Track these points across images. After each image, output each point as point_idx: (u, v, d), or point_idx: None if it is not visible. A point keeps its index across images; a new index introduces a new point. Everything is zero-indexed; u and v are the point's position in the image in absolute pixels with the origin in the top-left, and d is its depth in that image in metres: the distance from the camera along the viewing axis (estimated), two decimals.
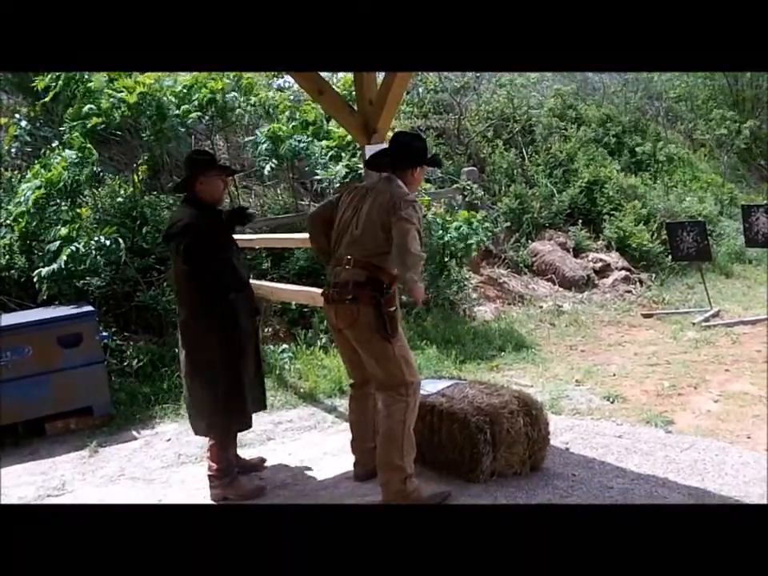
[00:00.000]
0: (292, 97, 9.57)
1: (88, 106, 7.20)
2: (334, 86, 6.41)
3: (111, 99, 7.29)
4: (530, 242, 10.30)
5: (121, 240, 6.72)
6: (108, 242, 6.57)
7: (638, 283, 9.80)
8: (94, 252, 6.49)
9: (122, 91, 7.37)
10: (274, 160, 8.24)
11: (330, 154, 8.27)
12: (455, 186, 9.54)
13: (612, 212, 10.91)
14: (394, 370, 3.77)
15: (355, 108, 5.05)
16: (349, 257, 3.81)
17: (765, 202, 11.59)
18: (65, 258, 6.29)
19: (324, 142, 8.37)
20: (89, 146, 6.96)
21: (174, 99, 7.86)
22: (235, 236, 4.60)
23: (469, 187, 9.27)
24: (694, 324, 7.92)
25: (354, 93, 5.86)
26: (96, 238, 6.55)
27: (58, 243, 6.48)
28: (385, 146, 4.51)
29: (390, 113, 4.87)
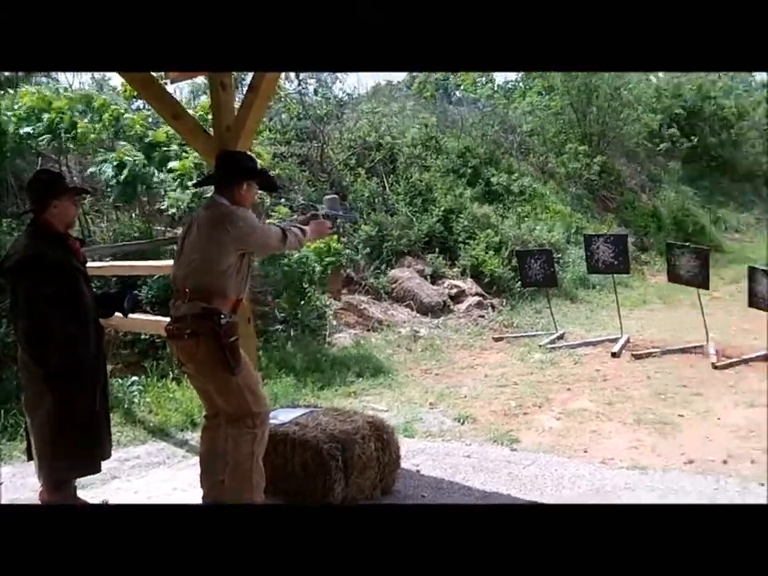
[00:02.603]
0: (151, 119, 9.41)
1: None
2: (190, 111, 6.34)
3: None
4: (389, 269, 10.52)
5: None
6: None
7: (490, 308, 10.22)
8: None
9: None
10: (118, 186, 8.03)
11: (178, 180, 8.17)
12: (314, 212, 9.64)
13: (467, 240, 11.33)
14: (239, 402, 3.71)
15: (212, 133, 5.02)
16: (186, 289, 3.69)
17: (605, 232, 12.37)
18: None
19: (172, 166, 8.26)
20: None
21: (14, 119, 7.59)
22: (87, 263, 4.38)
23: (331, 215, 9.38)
24: (540, 346, 8.34)
25: (211, 118, 5.84)
26: None
27: None
28: None
29: (247, 139, 4.81)
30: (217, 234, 3.66)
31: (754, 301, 7.76)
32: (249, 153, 4.65)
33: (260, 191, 4.73)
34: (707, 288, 8.28)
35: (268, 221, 7.52)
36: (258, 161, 8.53)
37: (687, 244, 9.00)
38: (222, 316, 3.62)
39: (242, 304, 3.88)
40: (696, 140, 19.45)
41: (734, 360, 7.44)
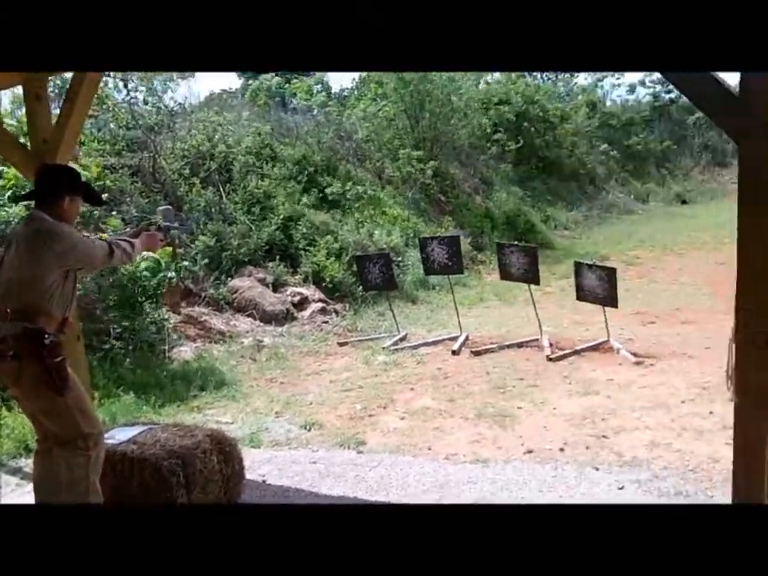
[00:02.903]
0: None
1: None
2: (14, 122, 6.05)
3: None
4: (229, 279, 10.37)
5: None
6: None
7: (333, 314, 10.28)
8: None
9: None
10: None
11: (6, 194, 7.73)
12: (146, 224, 9.38)
13: (307, 247, 11.35)
14: (69, 423, 3.59)
15: (29, 146, 4.83)
16: (8, 309, 3.53)
17: (440, 234, 12.73)
18: None
19: None
20: None
21: None
22: None
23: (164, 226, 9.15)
24: (383, 348, 8.47)
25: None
26: None
27: None
28: None
29: (66, 151, 4.69)
30: (38, 251, 3.52)
31: (581, 294, 8.21)
32: (71, 165, 4.49)
33: (86, 204, 4.57)
34: (538, 283, 8.69)
35: (99, 234, 7.24)
36: (85, 173, 8.21)
37: (516, 243, 9.42)
38: (46, 336, 3.48)
39: (69, 322, 3.73)
40: (522, 142, 20.40)
41: (567, 351, 7.85)
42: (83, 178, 4.15)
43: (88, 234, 6.63)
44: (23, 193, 3.91)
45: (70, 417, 3.59)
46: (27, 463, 5.40)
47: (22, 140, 5.97)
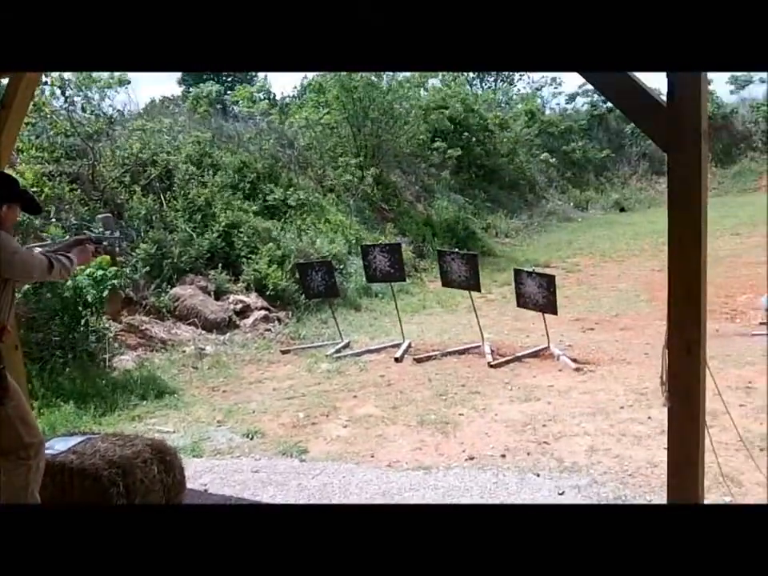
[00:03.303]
0: None
1: None
2: None
3: None
4: (171, 287, 10.25)
5: None
6: None
7: (276, 321, 10.24)
8: None
9: None
10: None
11: None
12: (78, 237, 9.26)
13: (249, 255, 11.30)
14: (10, 433, 3.55)
15: None
16: None
17: (381, 241, 12.80)
18: None
19: None
20: None
21: None
22: None
23: (102, 233, 9.03)
24: (327, 356, 8.47)
25: None
26: None
27: None
28: None
29: (2, 159, 4.64)
30: None
31: (522, 301, 8.34)
32: (7, 173, 4.41)
33: (23, 213, 4.49)
34: (479, 290, 8.80)
35: (36, 245, 7.11)
36: (22, 180, 8.05)
37: (456, 250, 9.50)
38: None
39: (7, 331, 3.67)
40: (461, 151, 20.61)
41: (508, 358, 7.96)
42: (20, 186, 4.09)
43: (25, 244, 6.50)
44: None
45: (12, 427, 3.55)
46: None
47: None
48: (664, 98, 2.79)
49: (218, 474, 5.18)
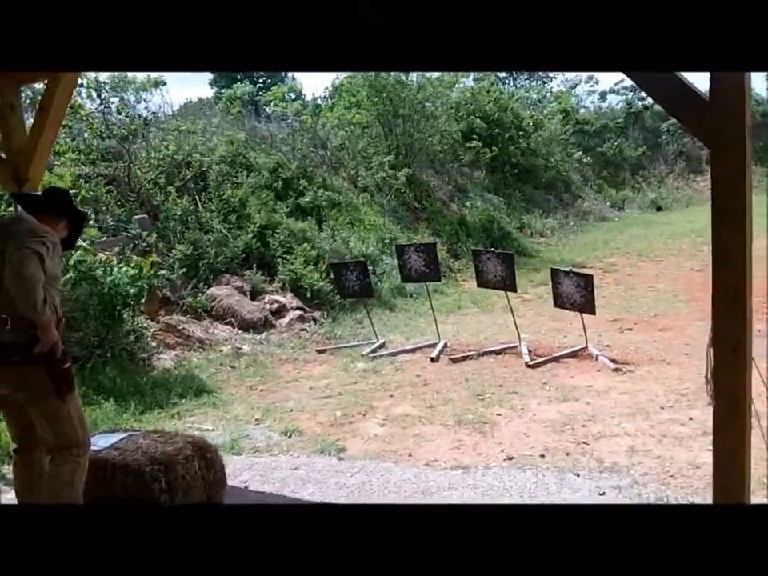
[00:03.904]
0: None
1: None
2: None
3: None
4: (207, 287, 10.35)
5: None
6: None
7: (312, 321, 10.27)
8: None
9: None
10: None
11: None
12: (125, 233, 9.39)
13: (284, 255, 11.35)
14: (68, 431, 3.63)
15: (3, 156, 4.82)
16: (4, 316, 3.53)
17: (415, 241, 12.78)
18: None
19: None
20: None
21: None
22: None
23: (139, 234, 9.17)
24: (362, 356, 8.48)
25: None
26: None
27: None
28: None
29: (41, 161, 4.72)
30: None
31: (559, 301, 8.29)
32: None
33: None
34: (515, 290, 8.75)
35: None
36: (61, 183, 8.18)
37: (492, 249, 9.46)
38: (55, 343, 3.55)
39: (61, 324, 3.77)
40: (497, 150, 20.49)
41: (546, 358, 7.91)
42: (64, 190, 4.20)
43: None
44: (24, 192, 4.01)
45: (70, 423, 3.64)
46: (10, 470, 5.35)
47: None
48: (706, 92, 2.76)
49: (257, 471, 5.22)
